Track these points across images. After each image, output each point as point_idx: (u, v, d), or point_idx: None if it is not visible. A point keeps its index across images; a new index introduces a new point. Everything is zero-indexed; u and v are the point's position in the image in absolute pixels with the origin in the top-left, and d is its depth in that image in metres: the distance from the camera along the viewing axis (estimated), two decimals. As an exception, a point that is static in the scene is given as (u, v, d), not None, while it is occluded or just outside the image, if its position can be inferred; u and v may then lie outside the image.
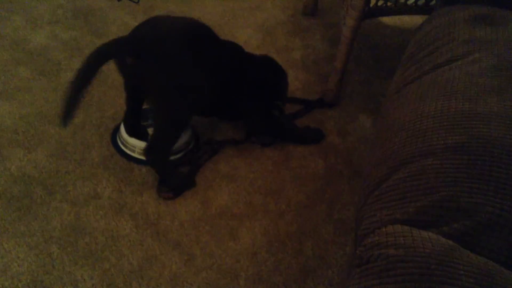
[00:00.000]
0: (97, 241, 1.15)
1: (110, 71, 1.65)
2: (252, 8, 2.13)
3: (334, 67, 1.62)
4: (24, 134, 1.38)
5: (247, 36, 1.94)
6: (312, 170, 1.44)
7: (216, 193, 1.32)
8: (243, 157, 1.44)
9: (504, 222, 0.59)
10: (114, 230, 1.18)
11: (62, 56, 1.68)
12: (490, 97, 0.73)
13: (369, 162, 0.79)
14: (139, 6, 2.01)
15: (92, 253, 1.13)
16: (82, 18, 1.88)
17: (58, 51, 1.70)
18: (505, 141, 0.65)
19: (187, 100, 1.23)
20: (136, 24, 1.87)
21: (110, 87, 1.58)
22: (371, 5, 1.63)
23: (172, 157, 1.38)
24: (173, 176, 1.31)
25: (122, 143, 1.39)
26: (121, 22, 1.89)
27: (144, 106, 1.37)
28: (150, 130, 1.43)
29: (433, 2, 1.64)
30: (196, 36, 1.23)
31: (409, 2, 1.71)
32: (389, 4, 1.65)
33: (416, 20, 2.14)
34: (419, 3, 1.68)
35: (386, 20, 2.16)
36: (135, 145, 1.36)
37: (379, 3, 1.66)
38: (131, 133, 1.37)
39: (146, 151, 1.25)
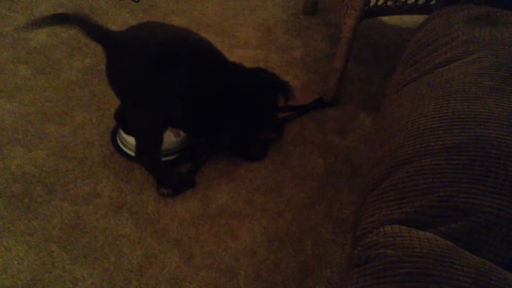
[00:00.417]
0: (97, 240, 1.16)
1: (110, 70, 1.65)
2: (253, 7, 2.13)
3: (334, 66, 1.62)
4: (24, 133, 1.38)
5: (247, 35, 1.94)
6: (312, 169, 1.44)
7: (216, 192, 1.33)
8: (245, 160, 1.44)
9: (501, 222, 0.59)
10: (114, 228, 1.19)
11: (63, 54, 1.68)
12: (488, 97, 0.73)
13: (368, 162, 0.79)
14: (139, 5, 2.01)
15: (92, 252, 1.13)
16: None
17: (59, 50, 1.70)
18: (503, 142, 0.65)
19: (147, 116, 1.17)
20: (136, 22, 1.88)
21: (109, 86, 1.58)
22: (371, 4, 1.63)
23: (171, 157, 1.38)
24: (169, 176, 1.31)
25: (122, 143, 1.39)
26: (122, 21, 1.89)
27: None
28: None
29: (433, 2, 1.64)
30: (174, 56, 1.12)
31: (409, 2, 1.71)
32: (389, 3, 1.65)
33: (416, 19, 2.14)
34: (419, 2, 1.68)
35: (386, 19, 2.16)
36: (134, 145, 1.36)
37: (379, 3, 1.66)
38: (123, 128, 1.36)
39: (135, 155, 1.26)
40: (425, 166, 0.67)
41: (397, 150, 0.72)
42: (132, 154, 1.37)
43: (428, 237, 0.57)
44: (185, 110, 1.21)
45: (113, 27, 1.84)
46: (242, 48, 1.85)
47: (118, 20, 1.90)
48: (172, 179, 1.31)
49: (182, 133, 1.44)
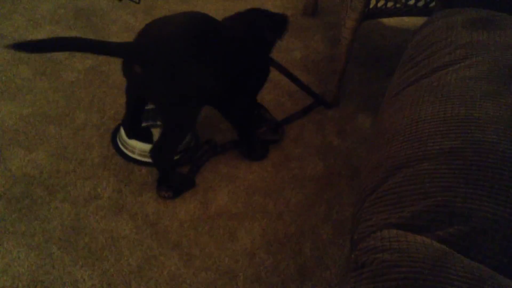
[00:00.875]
0: (97, 242, 1.16)
1: (111, 71, 1.66)
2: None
3: (334, 68, 1.62)
4: (25, 134, 1.39)
5: (248, 36, 1.94)
6: (311, 171, 1.45)
7: (216, 194, 1.33)
8: (243, 158, 1.44)
9: (497, 227, 0.59)
10: (113, 230, 1.19)
11: (63, 56, 1.68)
12: (486, 102, 0.74)
13: (366, 166, 0.80)
14: (140, 6, 2.01)
15: (92, 254, 1.14)
16: (83, 18, 1.88)
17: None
18: (500, 147, 0.66)
19: (193, 105, 1.23)
20: (137, 24, 1.88)
21: (110, 87, 1.59)
22: (371, 6, 1.64)
23: (172, 158, 1.39)
24: (173, 176, 1.32)
25: (122, 144, 1.40)
26: (122, 22, 1.90)
27: (148, 106, 1.38)
28: (154, 131, 1.45)
29: (432, 4, 1.65)
30: (199, 34, 1.19)
31: (409, 3, 1.71)
32: (389, 5, 1.65)
33: (416, 20, 2.14)
34: (419, 4, 1.68)
35: (386, 20, 2.17)
36: (135, 147, 1.37)
37: (379, 4, 1.66)
38: (130, 135, 1.37)
39: (152, 152, 1.25)
40: (422, 171, 0.67)
41: (395, 154, 0.73)
42: (132, 155, 1.38)
43: (425, 242, 0.58)
44: (219, 83, 1.26)
45: (114, 28, 1.85)
46: (242, 50, 1.86)
47: (119, 21, 1.91)
48: (175, 179, 1.31)
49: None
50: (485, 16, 0.97)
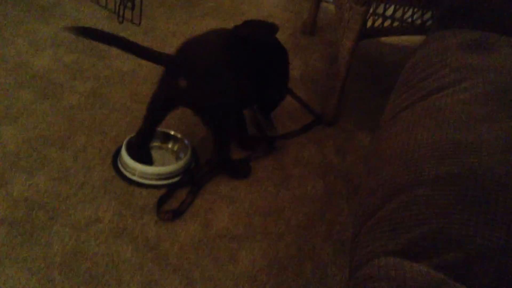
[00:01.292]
0: (98, 266, 1.16)
1: (112, 93, 1.67)
2: (252, 27, 2.15)
3: (333, 87, 1.64)
4: (26, 158, 1.40)
5: (247, 56, 1.96)
6: (312, 190, 1.45)
7: (216, 215, 1.33)
8: (243, 178, 1.45)
9: (494, 254, 0.59)
10: (114, 254, 1.19)
11: (65, 78, 1.70)
12: (481, 125, 0.74)
13: (363, 190, 0.80)
14: (140, 28, 2.04)
15: (93, 278, 1.14)
16: (84, 41, 1.91)
17: (61, 74, 1.72)
18: (495, 172, 0.66)
19: (234, 109, 1.40)
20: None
21: (111, 110, 1.60)
22: (368, 26, 1.65)
23: (171, 180, 1.39)
24: (239, 167, 1.46)
25: (123, 166, 1.40)
26: (123, 44, 1.92)
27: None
28: (153, 152, 1.46)
29: (429, 22, 1.66)
30: (231, 47, 1.35)
31: (405, 23, 1.72)
32: (385, 25, 1.67)
33: (414, 38, 2.16)
34: (417, 22, 1.70)
35: (384, 38, 2.18)
36: (136, 168, 1.38)
37: (376, 24, 1.68)
38: (136, 157, 1.39)
39: (212, 162, 1.42)
40: (418, 197, 0.68)
41: (391, 179, 0.73)
42: (133, 177, 1.38)
43: (422, 271, 0.58)
44: (251, 87, 1.42)
45: (115, 50, 1.87)
46: (241, 69, 1.87)
47: (119, 43, 1.93)
48: (242, 170, 1.46)
49: (182, 156, 1.45)
50: (479, 38, 0.98)
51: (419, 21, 1.70)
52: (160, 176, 1.39)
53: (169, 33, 2.05)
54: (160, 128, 1.51)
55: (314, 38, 2.16)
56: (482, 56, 0.91)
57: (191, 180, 1.41)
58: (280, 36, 2.13)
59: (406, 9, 1.70)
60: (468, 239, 0.61)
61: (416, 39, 2.24)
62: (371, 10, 1.67)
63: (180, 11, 2.24)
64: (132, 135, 1.45)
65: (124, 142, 1.43)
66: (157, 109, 1.38)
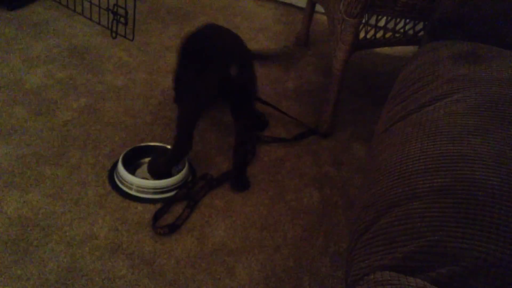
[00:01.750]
0: (94, 283, 1.15)
1: (105, 109, 1.67)
2: (246, 40, 2.16)
3: (327, 99, 1.64)
4: (20, 175, 1.39)
5: (241, 68, 1.96)
6: (308, 202, 1.45)
7: (212, 229, 1.33)
8: (239, 191, 1.45)
9: (489, 267, 0.59)
10: (110, 271, 1.18)
11: (59, 95, 1.70)
12: (473, 137, 0.74)
13: (358, 204, 0.80)
14: (133, 43, 2.04)
15: (89, 296, 1.13)
16: (78, 56, 1.91)
17: (54, 90, 1.72)
18: (489, 184, 0.66)
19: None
20: (132, 60, 1.91)
21: (105, 125, 1.60)
22: (361, 37, 1.66)
23: (167, 194, 1.39)
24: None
25: (120, 181, 1.40)
26: (117, 59, 1.93)
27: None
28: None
29: (421, 33, 1.68)
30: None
31: (398, 28, 1.74)
32: (378, 36, 1.68)
33: (407, 48, 2.18)
34: (408, 33, 1.71)
35: (378, 48, 2.20)
36: (133, 183, 1.37)
37: (369, 36, 1.69)
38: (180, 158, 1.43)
39: (243, 140, 1.46)
40: (413, 210, 0.68)
41: (385, 193, 0.73)
42: (130, 192, 1.38)
43: (418, 284, 0.58)
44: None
45: (109, 66, 1.87)
46: (235, 82, 1.88)
47: (113, 58, 1.93)
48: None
49: (178, 170, 1.45)
50: (471, 49, 0.99)
51: (411, 32, 1.71)
52: (156, 190, 1.39)
53: (162, 47, 2.05)
54: (155, 143, 1.50)
55: (308, 50, 2.17)
56: (473, 68, 0.92)
57: (188, 194, 1.40)
58: (274, 48, 2.15)
59: (398, 20, 1.71)
60: (464, 252, 0.61)
61: (409, 49, 2.26)
62: (363, 21, 1.68)
63: (174, 25, 2.24)
64: (128, 149, 1.45)
65: (121, 157, 1.42)
66: (205, 105, 1.45)
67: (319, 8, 2.28)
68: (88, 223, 1.29)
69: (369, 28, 1.82)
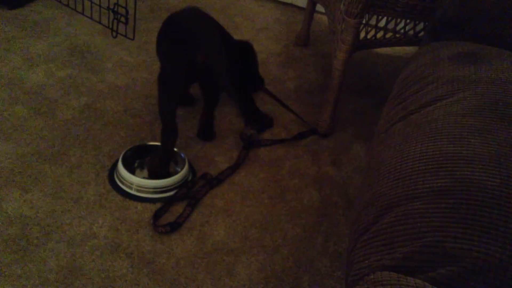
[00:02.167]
0: (93, 282, 1.15)
1: (106, 108, 1.67)
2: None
3: (327, 99, 1.64)
4: (20, 174, 1.39)
5: (241, 68, 1.97)
6: (308, 202, 1.45)
7: (212, 229, 1.33)
8: (239, 191, 1.45)
9: (489, 267, 0.59)
10: (110, 270, 1.19)
11: (59, 94, 1.70)
12: (473, 138, 0.75)
13: (358, 204, 0.80)
14: (134, 42, 2.04)
15: (88, 295, 1.13)
16: (78, 55, 1.91)
17: (55, 89, 1.72)
18: (488, 185, 0.66)
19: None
20: (132, 60, 1.91)
21: (106, 124, 1.60)
22: (361, 37, 1.67)
23: (167, 194, 1.39)
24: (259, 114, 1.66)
25: (120, 180, 1.40)
26: (117, 58, 1.93)
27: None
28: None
29: (421, 34, 1.68)
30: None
31: (398, 34, 1.74)
32: (378, 36, 1.68)
33: (407, 48, 2.18)
34: (409, 34, 1.71)
35: (378, 49, 2.20)
36: (133, 182, 1.38)
37: (369, 36, 1.69)
38: (169, 147, 1.44)
39: (244, 108, 1.65)
40: (413, 210, 0.68)
41: (385, 193, 0.73)
42: (130, 191, 1.38)
43: (418, 284, 0.58)
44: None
45: (109, 65, 1.87)
46: (236, 82, 1.88)
47: (114, 57, 1.93)
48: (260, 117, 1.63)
49: (179, 169, 1.45)
50: (471, 50, 0.99)
51: (411, 32, 1.71)
52: (156, 189, 1.39)
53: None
54: (155, 142, 1.51)
55: (308, 49, 2.17)
56: (474, 68, 0.92)
57: (188, 193, 1.40)
58: (274, 48, 2.15)
59: (398, 21, 1.72)
60: (464, 252, 0.61)
61: (409, 49, 2.26)
62: (363, 22, 1.68)
63: (174, 24, 2.24)
64: (128, 148, 1.46)
65: (121, 156, 1.42)
66: (176, 88, 1.45)
67: (319, 8, 2.28)
68: (88, 222, 1.29)
69: (369, 28, 1.82)
